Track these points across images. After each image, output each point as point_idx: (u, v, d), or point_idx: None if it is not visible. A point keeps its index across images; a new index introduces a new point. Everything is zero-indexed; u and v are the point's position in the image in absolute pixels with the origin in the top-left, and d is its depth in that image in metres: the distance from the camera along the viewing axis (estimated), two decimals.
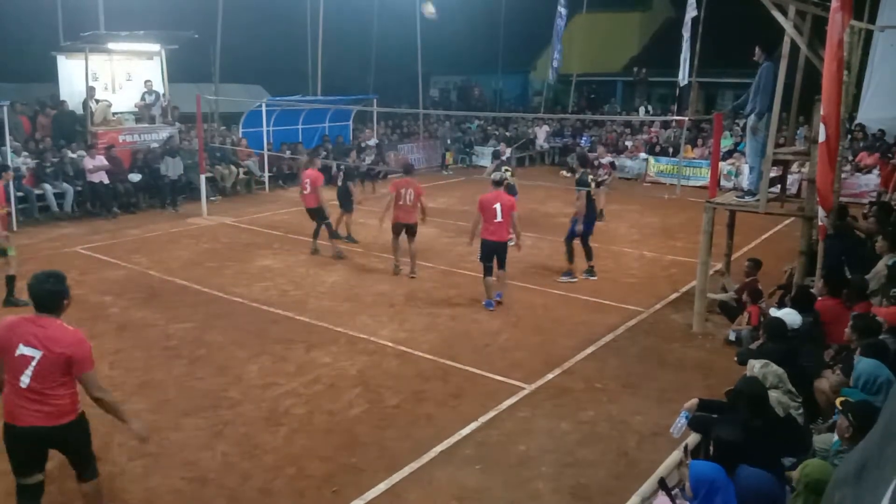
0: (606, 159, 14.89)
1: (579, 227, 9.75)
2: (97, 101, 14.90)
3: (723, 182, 15.84)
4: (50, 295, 3.80)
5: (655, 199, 14.74)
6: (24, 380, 3.67)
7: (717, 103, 27.05)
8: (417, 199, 9.77)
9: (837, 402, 3.96)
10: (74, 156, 13.82)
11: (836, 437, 3.91)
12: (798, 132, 12.68)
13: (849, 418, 3.65)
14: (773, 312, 6.09)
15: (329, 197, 11.47)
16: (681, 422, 4.51)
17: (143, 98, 15.82)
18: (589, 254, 9.99)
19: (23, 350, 3.68)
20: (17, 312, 4.18)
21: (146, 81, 15.89)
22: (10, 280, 8.37)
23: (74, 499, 4.43)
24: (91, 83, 14.70)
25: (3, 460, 5.06)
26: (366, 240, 11.85)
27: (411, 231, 9.91)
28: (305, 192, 10.86)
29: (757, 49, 7.52)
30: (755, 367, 4.60)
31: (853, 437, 3.59)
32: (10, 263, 8.38)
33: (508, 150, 15.47)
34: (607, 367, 7.01)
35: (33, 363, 3.67)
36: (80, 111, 14.87)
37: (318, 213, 10.92)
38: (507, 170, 11.59)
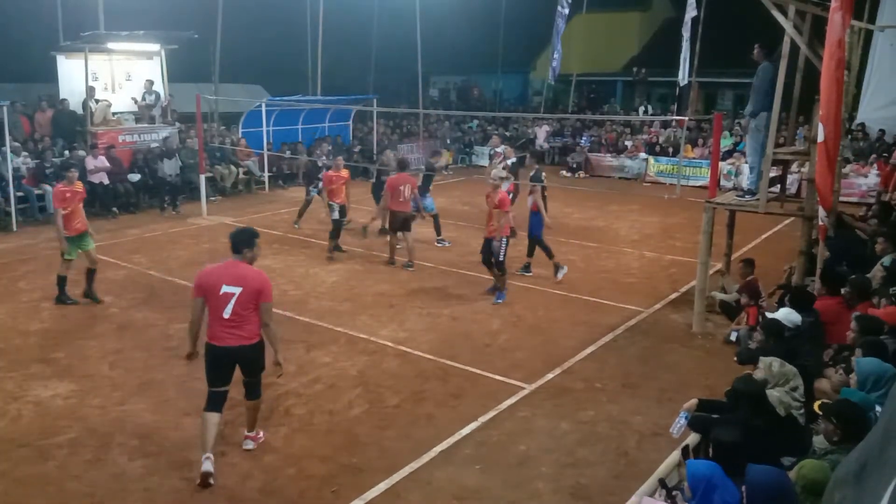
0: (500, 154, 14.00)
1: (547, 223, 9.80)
2: (97, 101, 14.91)
3: (723, 182, 15.83)
4: (247, 238, 4.96)
5: (655, 199, 14.72)
6: (227, 311, 4.80)
7: (717, 103, 27.07)
8: (413, 192, 10.41)
9: (816, 406, 3.95)
10: (80, 153, 13.83)
11: None
12: (798, 132, 12.67)
13: (832, 421, 3.63)
14: (769, 314, 6.07)
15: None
16: (680, 422, 4.51)
17: (143, 98, 15.81)
18: (532, 251, 9.93)
19: (225, 289, 4.80)
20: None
21: (147, 81, 15.89)
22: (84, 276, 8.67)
23: None
24: (91, 83, 14.70)
25: (3, 460, 5.10)
26: (366, 239, 11.85)
27: (408, 224, 10.32)
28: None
29: (756, 48, 7.52)
30: (773, 365, 4.55)
31: (841, 439, 3.57)
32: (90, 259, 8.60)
33: (502, 147, 15.19)
34: (607, 367, 7.01)
35: (234, 297, 4.78)
36: (80, 111, 14.87)
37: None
38: (503, 165, 11.70)
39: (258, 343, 5.01)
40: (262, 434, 5.46)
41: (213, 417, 4.98)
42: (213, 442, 4.96)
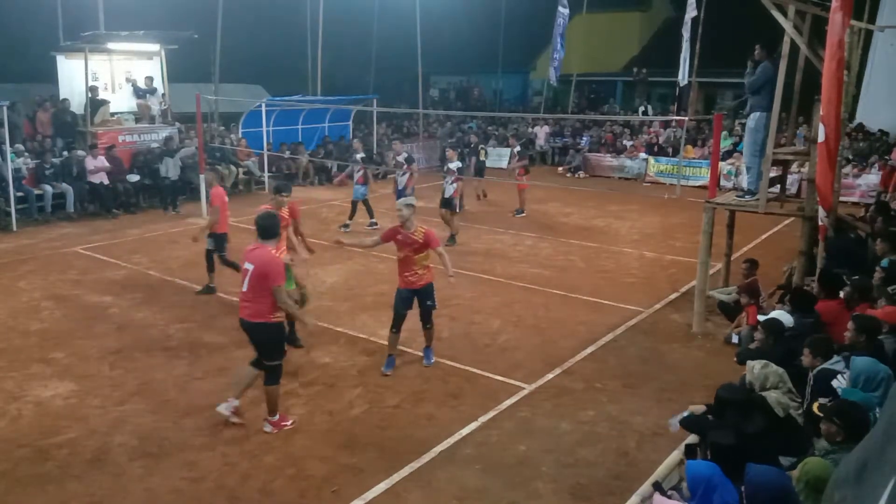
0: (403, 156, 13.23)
1: None
2: (101, 102, 14.91)
3: (723, 182, 15.84)
4: (270, 227, 5.55)
5: (655, 199, 14.71)
6: (244, 285, 5.42)
7: (717, 103, 27.04)
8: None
9: (815, 408, 3.93)
10: (80, 153, 13.84)
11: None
12: (798, 132, 12.67)
13: (835, 422, 3.62)
14: (763, 317, 6.08)
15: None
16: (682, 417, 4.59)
17: (144, 96, 15.78)
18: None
19: (246, 265, 5.45)
20: None
21: (147, 77, 15.89)
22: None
23: None
24: (91, 83, 14.70)
25: (3, 460, 5.10)
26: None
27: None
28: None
29: (757, 48, 7.53)
30: (755, 367, 4.59)
31: (845, 439, 3.56)
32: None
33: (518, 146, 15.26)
34: (607, 367, 7.01)
35: (249, 274, 5.38)
36: (80, 111, 14.86)
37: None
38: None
39: (264, 324, 5.39)
40: (290, 420, 5.76)
41: (244, 369, 5.76)
42: (239, 390, 5.73)
